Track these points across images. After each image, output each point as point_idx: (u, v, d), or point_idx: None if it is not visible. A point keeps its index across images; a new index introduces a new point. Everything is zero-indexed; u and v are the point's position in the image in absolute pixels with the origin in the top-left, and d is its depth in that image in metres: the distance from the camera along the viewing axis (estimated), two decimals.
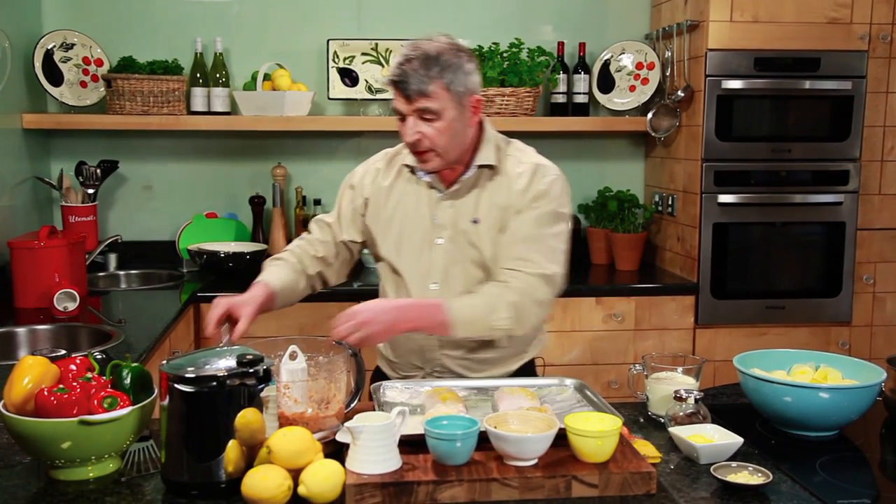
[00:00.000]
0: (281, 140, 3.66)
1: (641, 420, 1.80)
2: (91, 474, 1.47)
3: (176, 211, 3.62)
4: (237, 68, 3.61)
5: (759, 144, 3.33)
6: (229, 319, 1.84)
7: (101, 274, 3.41)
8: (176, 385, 1.40)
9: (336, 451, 1.51)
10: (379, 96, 3.58)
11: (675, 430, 1.62)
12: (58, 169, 3.50)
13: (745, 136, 3.33)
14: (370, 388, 1.84)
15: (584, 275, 3.57)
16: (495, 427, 1.46)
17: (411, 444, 1.48)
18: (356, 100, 3.61)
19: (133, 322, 2.65)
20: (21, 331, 2.55)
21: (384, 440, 1.42)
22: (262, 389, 1.45)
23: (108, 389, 1.48)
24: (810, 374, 1.83)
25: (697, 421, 1.66)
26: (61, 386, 1.45)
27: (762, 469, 1.47)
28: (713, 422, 1.67)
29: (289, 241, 3.08)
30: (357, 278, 3.29)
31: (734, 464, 1.50)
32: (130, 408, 1.45)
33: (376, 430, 1.41)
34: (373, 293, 2.14)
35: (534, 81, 3.46)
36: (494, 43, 3.52)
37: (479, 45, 3.52)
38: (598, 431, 1.44)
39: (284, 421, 1.53)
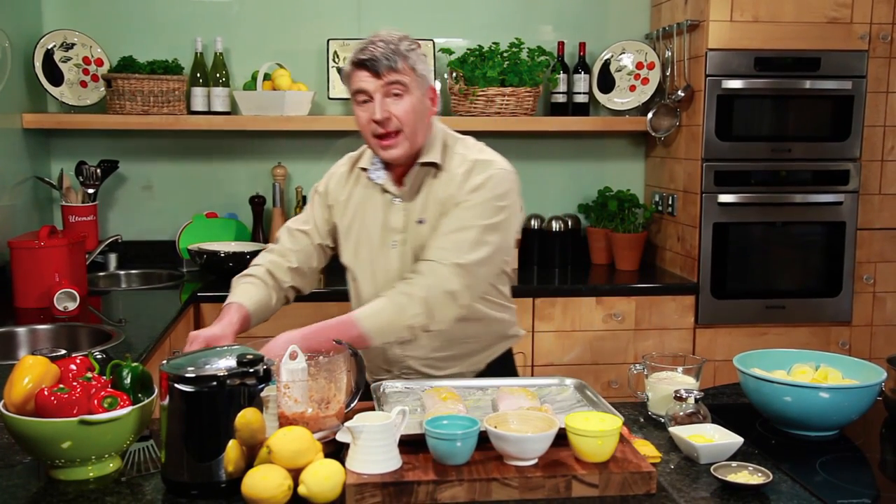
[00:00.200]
0: (281, 140, 3.66)
1: (641, 420, 1.80)
2: (91, 474, 1.47)
3: (176, 211, 3.62)
4: (237, 68, 3.61)
5: (759, 144, 3.33)
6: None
7: (101, 274, 3.41)
8: (176, 385, 1.40)
9: (336, 450, 1.51)
10: None
11: (675, 430, 1.62)
12: (58, 169, 3.50)
13: (745, 136, 3.33)
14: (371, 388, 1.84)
15: (584, 275, 3.57)
16: (495, 427, 1.46)
17: (411, 444, 1.48)
18: None
19: (133, 322, 2.65)
20: (21, 330, 2.55)
21: (384, 440, 1.42)
22: (262, 389, 1.45)
23: (109, 389, 1.48)
24: (810, 373, 1.83)
25: (697, 421, 1.66)
26: (61, 386, 1.45)
27: (762, 469, 1.47)
28: (713, 421, 1.67)
29: None
30: None
31: (734, 464, 1.50)
32: (130, 408, 1.45)
33: (376, 430, 1.41)
34: None
35: (534, 81, 3.46)
36: (494, 43, 3.52)
37: (479, 45, 3.52)
38: (598, 431, 1.44)
39: (284, 421, 1.53)
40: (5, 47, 3.09)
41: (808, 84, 3.31)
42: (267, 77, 3.48)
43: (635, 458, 1.47)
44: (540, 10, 3.74)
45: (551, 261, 3.68)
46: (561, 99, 3.68)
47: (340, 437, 1.52)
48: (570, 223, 3.71)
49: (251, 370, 1.42)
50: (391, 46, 1.85)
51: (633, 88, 3.65)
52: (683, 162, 3.47)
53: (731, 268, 3.36)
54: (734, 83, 3.27)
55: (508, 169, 1.98)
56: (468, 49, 3.53)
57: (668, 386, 1.77)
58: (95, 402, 1.44)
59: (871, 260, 3.44)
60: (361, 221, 2.03)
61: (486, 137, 3.71)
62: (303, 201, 3.61)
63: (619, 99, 3.67)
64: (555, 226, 3.68)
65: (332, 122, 3.54)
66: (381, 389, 1.80)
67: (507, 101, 3.46)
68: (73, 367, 1.52)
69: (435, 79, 3.63)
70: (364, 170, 2.03)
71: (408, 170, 1.97)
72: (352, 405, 1.65)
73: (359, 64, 1.87)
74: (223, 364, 1.43)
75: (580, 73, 3.65)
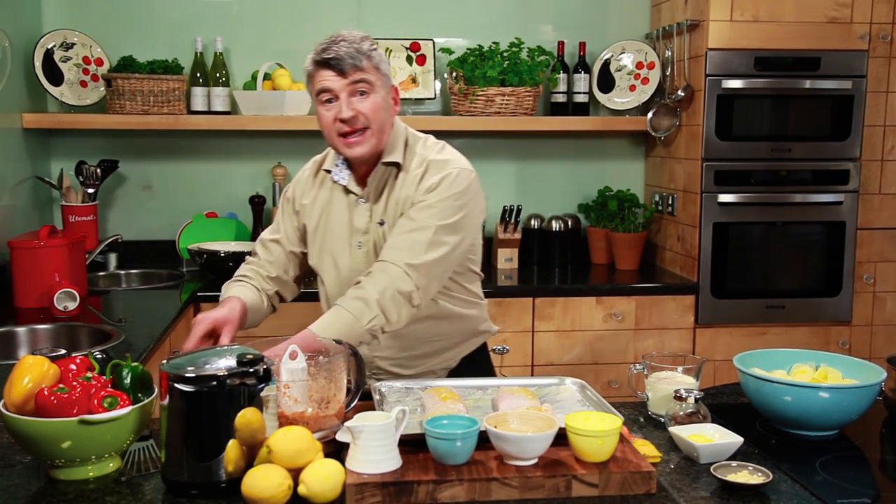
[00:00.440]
0: (281, 140, 3.66)
1: (641, 420, 1.80)
2: (91, 474, 1.47)
3: (176, 211, 3.62)
4: (237, 68, 3.61)
5: (759, 144, 3.33)
6: (212, 335, 1.84)
7: (101, 273, 3.41)
8: (176, 385, 1.39)
9: (336, 450, 1.51)
10: None
11: (675, 430, 1.62)
12: (58, 168, 3.50)
13: (745, 136, 3.33)
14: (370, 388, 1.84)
15: (585, 274, 3.57)
16: (495, 426, 1.46)
17: (411, 444, 1.48)
18: None
19: (133, 322, 2.65)
20: (21, 330, 2.55)
21: (384, 440, 1.42)
22: (262, 389, 1.45)
23: (109, 389, 1.48)
24: (810, 373, 1.83)
25: (697, 420, 1.66)
26: (61, 385, 1.45)
27: (762, 469, 1.47)
28: (713, 421, 1.67)
29: None
30: None
31: (734, 463, 1.50)
32: (130, 407, 1.45)
33: (376, 430, 1.41)
34: None
35: (534, 81, 3.46)
36: (494, 42, 3.52)
37: (479, 45, 3.52)
38: (598, 431, 1.44)
39: (284, 420, 1.53)
40: (5, 47, 3.09)
41: (808, 84, 3.31)
42: (267, 77, 3.48)
43: (635, 458, 1.47)
44: (540, 10, 3.74)
45: (551, 261, 3.68)
46: (561, 99, 3.68)
47: (340, 436, 1.52)
48: (570, 223, 3.71)
49: (251, 370, 1.42)
50: (354, 46, 1.85)
51: (633, 88, 3.65)
52: (683, 162, 3.47)
53: (731, 267, 3.36)
54: (734, 83, 3.27)
55: (466, 168, 1.96)
56: (468, 49, 3.53)
57: (668, 386, 1.77)
58: (95, 401, 1.44)
59: (871, 260, 3.44)
60: (326, 223, 2.02)
61: (486, 137, 3.76)
62: None
63: (619, 99, 3.67)
64: (555, 225, 3.68)
65: None
66: (381, 389, 1.80)
67: (507, 100, 3.46)
68: (73, 366, 1.52)
69: (435, 78, 3.63)
70: (328, 171, 2.03)
71: (371, 170, 1.96)
72: (352, 405, 1.65)
73: (323, 63, 1.86)
74: (223, 364, 1.43)
75: (580, 72, 3.65)
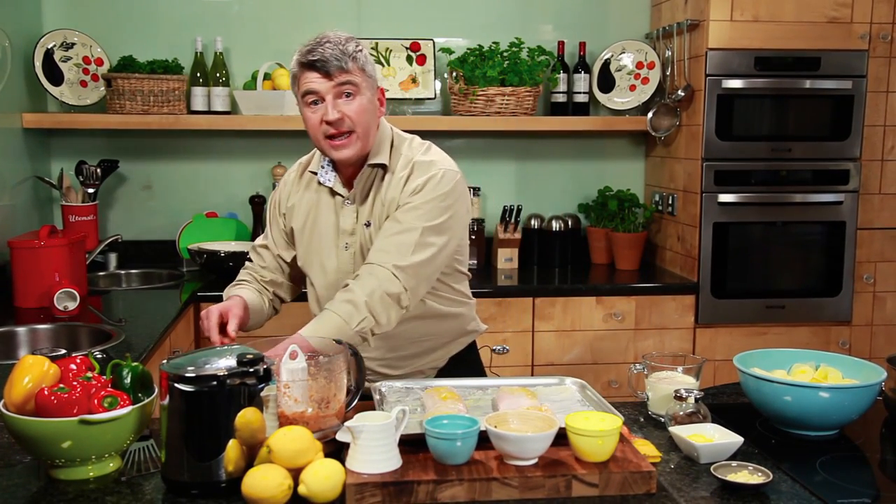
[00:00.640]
0: (281, 140, 3.66)
1: (641, 419, 1.80)
2: (91, 474, 1.47)
3: (176, 210, 3.62)
4: (237, 68, 3.61)
5: (759, 144, 3.33)
6: (222, 330, 1.88)
7: (101, 273, 3.41)
8: (176, 384, 1.39)
9: (336, 450, 1.51)
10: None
11: (676, 430, 1.62)
12: (58, 168, 3.50)
13: (745, 136, 3.33)
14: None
15: (585, 274, 3.58)
16: (495, 426, 1.46)
17: (411, 444, 1.48)
18: None
19: (133, 321, 2.65)
20: (21, 330, 2.55)
21: (384, 440, 1.42)
22: (262, 389, 1.45)
23: (109, 389, 1.48)
24: (810, 373, 1.83)
25: (697, 420, 1.66)
26: (61, 385, 1.45)
27: (762, 468, 1.47)
28: (713, 421, 1.67)
29: None
30: None
31: (734, 463, 1.50)
32: (130, 407, 1.45)
33: (376, 430, 1.41)
34: None
35: (534, 81, 3.46)
36: (494, 42, 3.52)
37: (479, 45, 3.52)
38: (598, 431, 1.44)
39: (284, 420, 1.53)
40: (5, 47, 3.09)
41: (808, 84, 3.31)
42: (267, 77, 3.48)
43: (635, 458, 1.47)
44: (540, 10, 3.74)
45: (551, 260, 3.68)
46: (561, 99, 3.68)
47: (340, 436, 1.52)
48: (570, 223, 3.71)
49: (251, 370, 1.42)
50: (340, 48, 1.84)
51: (633, 88, 3.65)
52: (683, 162, 3.47)
53: (731, 267, 3.36)
54: (734, 83, 3.27)
55: (451, 169, 1.95)
56: (468, 49, 3.53)
57: (668, 386, 1.77)
58: (95, 401, 1.44)
59: (871, 259, 3.44)
60: (313, 225, 2.02)
61: (486, 137, 3.76)
62: None
63: (619, 98, 3.67)
64: (555, 225, 3.68)
65: None
66: (381, 389, 1.80)
67: (507, 100, 3.46)
68: (73, 366, 1.52)
69: (435, 78, 3.63)
70: (314, 173, 2.03)
71: (357, 171, 1.96)
72: (352, 405, 1.65)
73: (308, 65, 1.85)
74: (223, 364, 1.43)
75: (580, 72, 3.65)
